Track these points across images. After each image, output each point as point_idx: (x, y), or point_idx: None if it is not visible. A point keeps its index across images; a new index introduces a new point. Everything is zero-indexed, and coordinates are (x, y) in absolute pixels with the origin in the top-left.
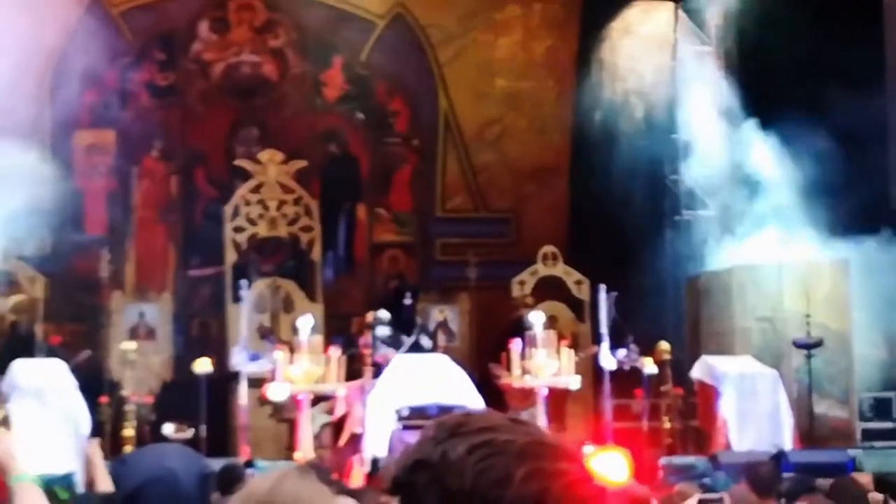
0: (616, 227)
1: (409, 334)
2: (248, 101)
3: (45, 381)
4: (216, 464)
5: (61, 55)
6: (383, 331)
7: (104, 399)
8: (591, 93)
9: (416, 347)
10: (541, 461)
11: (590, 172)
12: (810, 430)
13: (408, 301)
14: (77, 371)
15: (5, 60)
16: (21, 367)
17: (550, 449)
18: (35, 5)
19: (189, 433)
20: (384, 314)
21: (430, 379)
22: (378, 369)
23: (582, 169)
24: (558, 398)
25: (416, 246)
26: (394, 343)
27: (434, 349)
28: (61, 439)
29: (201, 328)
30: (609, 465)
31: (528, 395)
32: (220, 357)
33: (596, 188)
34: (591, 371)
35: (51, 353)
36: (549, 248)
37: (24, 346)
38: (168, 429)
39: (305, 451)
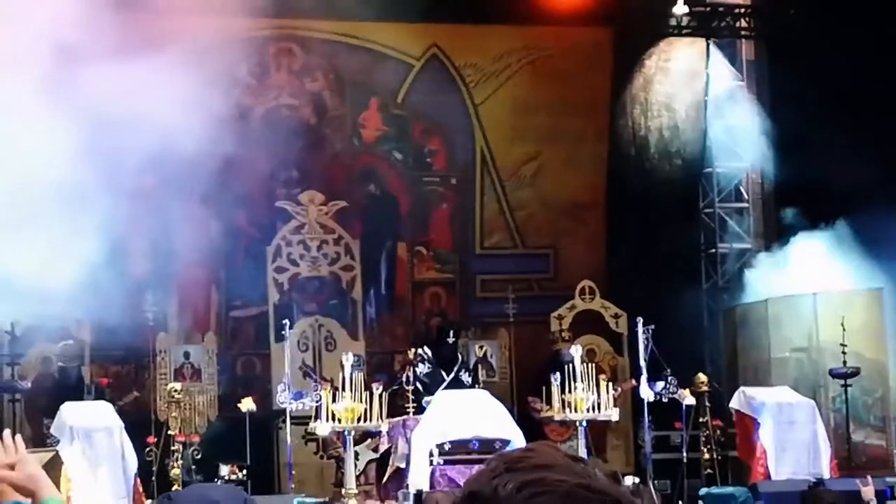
0: (652, 261)
1: (449, 371)
2: (289, 144)
3: (94, 423)
4: (262, 500)
5: None
6: (424, 368)
7: (151, 439)
8: (625, 128)
9: (456, 383)
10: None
11: (626, 207)
12: (848, 459)
13: (450, 339)
14: (124, 412)
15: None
16: (70, 410)
17: (597, 494)
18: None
19: (242, 474)
20: (425, 351)
21: (471, 414)
22: (420, 406)
23: (618, 204)
24: (598, 431)
25: (456, 283)
26: (434, 380)
27: (474, 385)
28: (110, 479)
29: (245, 367)
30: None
31: (567, 429)
32: (265, 396)
33: (632, 223)
34: (631, 403)
35: (99, 394)
36: (586, 283)
37: (72, 388)
38: (224, 470)
39: (350, 487)
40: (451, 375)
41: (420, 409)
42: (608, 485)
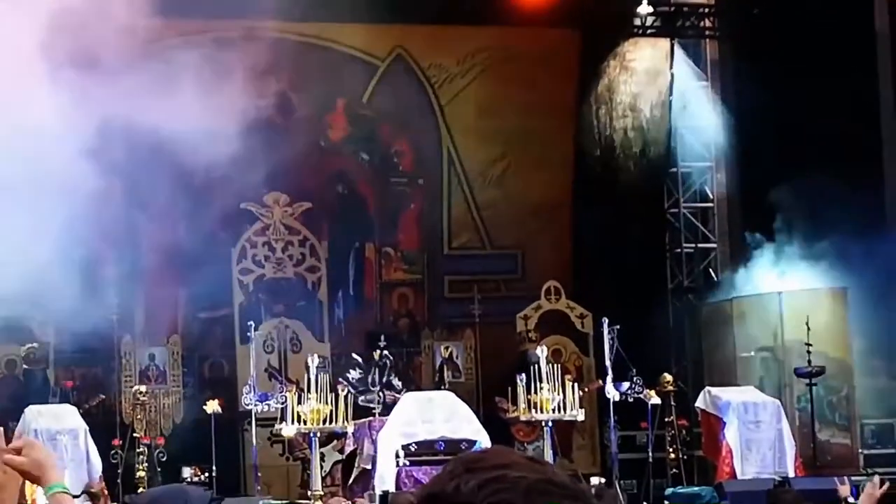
0: (618, 261)
1: (381, 376)
2: (254, 145)
3: (58, 425)
4: (228, 503)
5: None
6: (355, 374)
7: (116, 441)
8: (591, 128)
9: (388, 387)
10: (546, 498)
11: (592, 207)
12: (813, 458)
13: (381, 344)
14: (90, 414)
15: None
16: (34, 413)
17: (558, 488)
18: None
19: (204, 476)
20: (355, 358)
21: (436, 415)
22: (385, 407)
23: (584, 204)
24: (564, 431)
25: (424, 283)
26: (365, 385)
27: (401, 390)
28: (75, 482)
29: (211, 369)
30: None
31: (534, 429)
32: (230, 398)
33: (597, 223)
34: (597, 403)
35: (63, 397)
36: (552, 283)
37: (37, 391)
38: (186, 472)
39: (316, 488)
40: (382, 380)
41: (386, 411)
42: (569, 480)
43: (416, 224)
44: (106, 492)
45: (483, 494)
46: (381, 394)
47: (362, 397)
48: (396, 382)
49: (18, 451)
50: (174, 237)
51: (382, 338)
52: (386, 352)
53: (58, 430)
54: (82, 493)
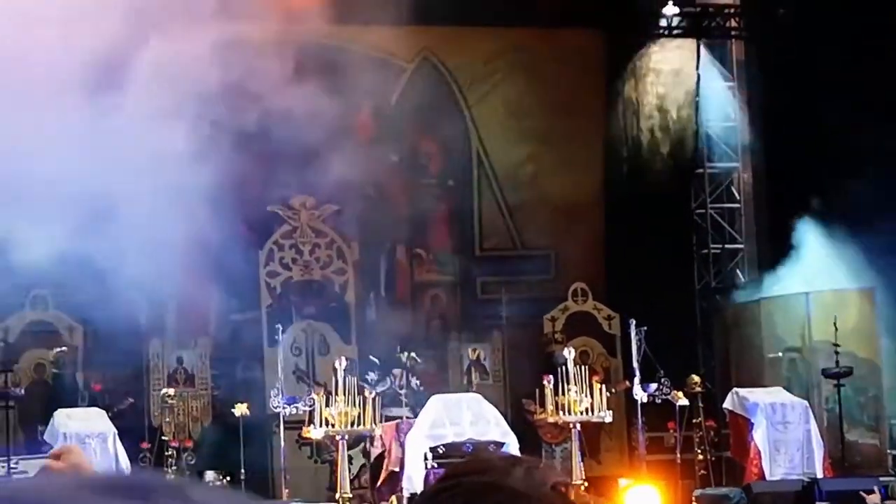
0: (644, 262)
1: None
2: (282, 148)
3: (87, 429)
4: None
5: None
6: (374, 376)
7: (145, 445)
8: (618, 129)
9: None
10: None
11: (621, 208)
12: (842, 459)
13: (408, 346)
14: (118, 417)
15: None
16: (63, 416)
17: (505, 491)
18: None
19: (226, 480)
20: (373, 360)
21: (464, 417)
22: (413, 409)
23: (612, 204)
24: (592, 432)
25: (456, 285)
26: (382, 386)
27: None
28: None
29: (239, 372)
30: (643, 498)
31: (561, 431)
32: (258, 400)
33: (625, 223)
34: (624, 405)
35: (92, 400)
36: (579, 285)
37: (66, 395)
38: (209, 476)
39: (344, 490)
40: (398, 382)
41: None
42: (524, 485)
43: (446, 226)
44: None
45: (439, 500)
46: (405, 397)
47: (386, 409)
48: (415, 383)
49: (58, 457)
50: (203, 240)
51: (410, 340)
52: (413, 353)
53: (87, 434)
54: None
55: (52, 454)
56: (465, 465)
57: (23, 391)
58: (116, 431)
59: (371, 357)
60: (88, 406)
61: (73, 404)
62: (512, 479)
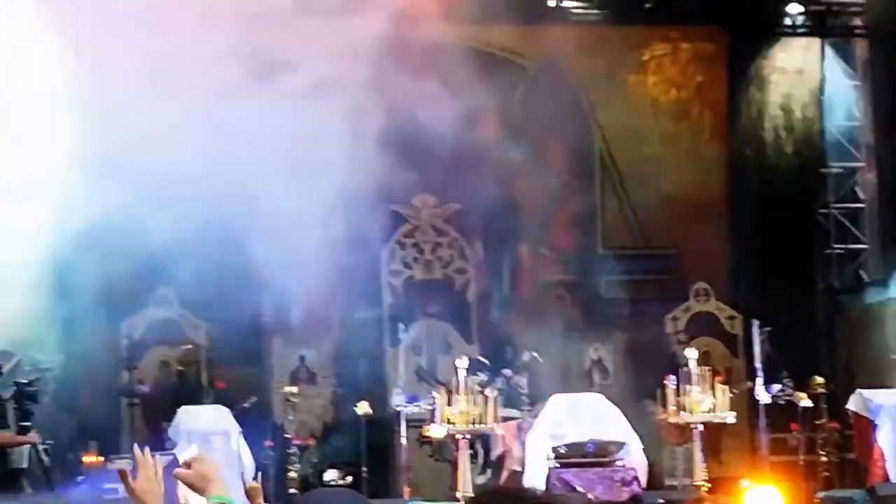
0: (767, 262)
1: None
2: (405, 147)
3: (211, 427)
4: None
5: None
6: (482, 377)
7: (268, 443)
8: (742, 129)
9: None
10: None
11: (744, 208)
12: None
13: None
14: (242, 415)
15: None
16: (187, 414)
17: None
18: None
19: (348, 480)
20: (482, 360)
21: (586, 417)
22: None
23: (737, 204)
24: (714, 433)
25: (579, 284)
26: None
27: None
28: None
29: (361, 371)
30: (766, 499)
31: (683, 431)
32: (380, 399)
33: (749, 223)
34: (747, 406)
35: (216, 398)
36: (701, 285)
37: (190, 392)
38: (330, 474)
39: (465, 490)
40: (505, 379)
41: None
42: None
43: (569, 224)
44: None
45: None
46: (527, 397)
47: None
48: (521, 385)
49: (188, 465)
50: (329, 238)
51: (532, 339)
52: (535, 353)
53: (211, 432)
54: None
55: (182, 462)
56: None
57: (147, 388)
58: (240, 429)
59: (479, 357)
60: (212, 404)
61: (198, 402)
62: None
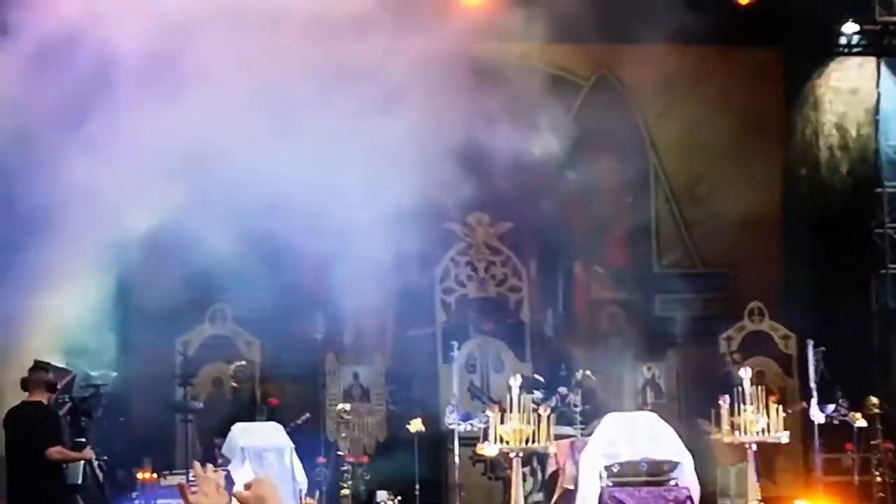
0: (822, 281)
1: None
2: (458, 166)
3: (265, 443)
4: None
5: None
6: (539, 395)
7: (321, 459)
8: (797, 148)
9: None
10: None
11: (799, 227)
12: None
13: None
14: (295, 432)
15: None
16: (241, 430)
17: None
18: None
19: (397, 500)
20: (538, 378)
21: (639, 435)
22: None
23: (792, 223)
24: (768, 453)
25: (633, 302)
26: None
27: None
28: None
29: (415, 388)
30: None
31: (737, 451)
32: (433, 417)
33: (803, 242)
34: (801, 426)
35: (270, 415)
36: (755, 304)
37: (244, 409)
38: (380, 496)
39: None
40: (559, 399)
41: (589, 431)
42: None
43: (624, 242)
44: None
45: None
46: (580, 415)
47: (557, 428)
48: (577, 401)
49: (249, 486)
50: (383, 256)
51: (585, 358)
52: (588, 371)
53: (264, 448)
54: None
55: (244, 483)
56: None
57: (201, 404)
58: (293, 446)
59: (535, 376)
60: (266, 420)
61: (251, 418)
62: None
